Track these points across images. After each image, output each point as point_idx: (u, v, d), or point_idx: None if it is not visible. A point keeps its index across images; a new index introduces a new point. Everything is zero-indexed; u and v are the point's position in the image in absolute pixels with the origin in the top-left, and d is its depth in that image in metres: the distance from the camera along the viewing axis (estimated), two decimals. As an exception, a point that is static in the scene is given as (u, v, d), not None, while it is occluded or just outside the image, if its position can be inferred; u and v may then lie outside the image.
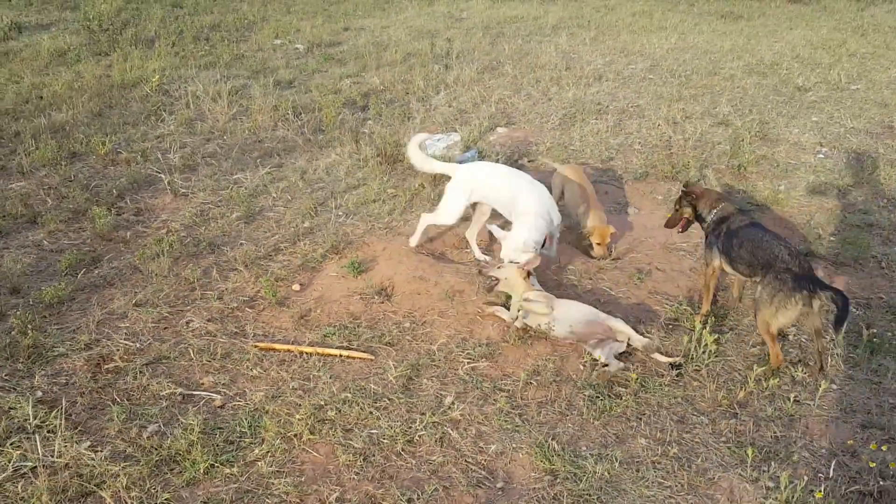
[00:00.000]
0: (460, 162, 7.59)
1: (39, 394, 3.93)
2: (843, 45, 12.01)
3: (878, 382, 4.33)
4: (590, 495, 3.44)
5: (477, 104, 9.32)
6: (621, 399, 4.11)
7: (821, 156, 7.64)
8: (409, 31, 13.32)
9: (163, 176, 6.73)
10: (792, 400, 4.10)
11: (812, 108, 8.93)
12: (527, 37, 13.04)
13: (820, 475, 3.60)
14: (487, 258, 5.63)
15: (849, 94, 9.36)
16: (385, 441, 3.70)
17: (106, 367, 4.14)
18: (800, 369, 4.36)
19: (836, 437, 3.88)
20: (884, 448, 3.68)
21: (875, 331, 4.72)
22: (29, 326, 4.37)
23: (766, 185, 6.94)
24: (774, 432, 3.92)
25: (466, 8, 15.80)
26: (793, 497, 3.33)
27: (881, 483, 3.48)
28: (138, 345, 4.36)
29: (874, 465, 3.59)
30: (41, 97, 8.88)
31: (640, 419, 3.99)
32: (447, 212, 5.55)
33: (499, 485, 3.51)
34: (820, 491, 3.40)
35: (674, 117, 8.45)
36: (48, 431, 3.61)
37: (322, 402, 3.92)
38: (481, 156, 7.68)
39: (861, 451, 3.75)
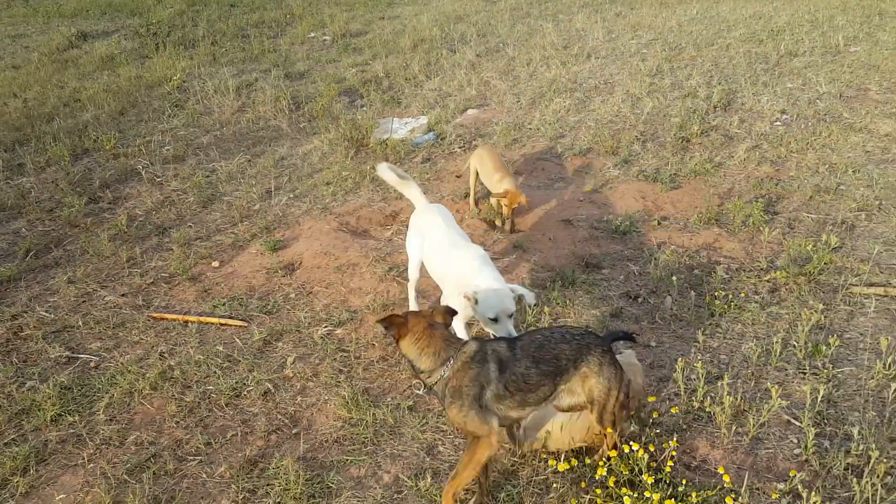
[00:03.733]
0: (417, 144, 8.11)
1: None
2: (879, 3, 11.31)
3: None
4: (366, 437, 3.95)
5: (462, 87, 9.70)
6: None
7: (778, 123, 7.50)
8: (436, 17, 13.75)
9: (143, 167, 7.62)
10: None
11: (792, 73, 8.67)
12: (551, 16, 13.14)
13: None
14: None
15: (842, 58, 8.97)
16: (215, 396, 4.34)
17: (21, 334, 5.03)
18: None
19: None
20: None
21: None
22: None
23: (703, 156, 6.95)
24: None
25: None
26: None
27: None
28: (52, 316, 5.24)
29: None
30: (78, 100, 10.07)
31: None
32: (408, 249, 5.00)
33: (294, 430, 4.07)
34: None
35: (639, 93, 8.47)
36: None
37: (174, 364, 4.61)
38: (440, 138, 8.10)
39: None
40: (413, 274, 4.92)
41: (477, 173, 6.55)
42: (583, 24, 12.06)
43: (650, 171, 6.89)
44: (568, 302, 5.01)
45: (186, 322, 5.14)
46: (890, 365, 4.07)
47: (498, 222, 6.21)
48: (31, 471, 3.88)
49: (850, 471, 3.46)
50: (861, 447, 3.51)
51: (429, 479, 3.62)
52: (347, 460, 3.86)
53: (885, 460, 3.33)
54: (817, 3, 11.74)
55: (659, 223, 6.11)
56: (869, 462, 3.34)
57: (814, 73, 8.56)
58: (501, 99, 9.07)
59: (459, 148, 7.82)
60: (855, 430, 3.63)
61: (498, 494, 3.54)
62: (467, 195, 6.71)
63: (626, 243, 5.85)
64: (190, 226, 6.62)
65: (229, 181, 7.56)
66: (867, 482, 3.24)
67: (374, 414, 4.12)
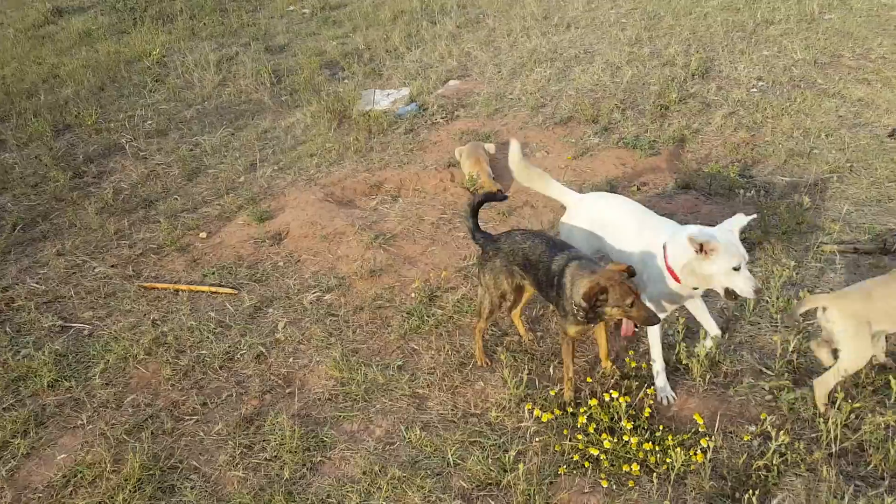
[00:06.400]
0: (399, 115, 8.18)
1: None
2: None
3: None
4: (357, 395, 4.13)
5: (443, 58, 9.74)
6: (430, 319, 4.67)
7: (754, 90, 7.65)
8: (418, -13, 13.67)
9: (126, 141, 7.65)
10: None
11: (769, 41, 8.81)
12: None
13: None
14: None
15: (816, 25, 9.12)
16: (208, 360, 4.47)
17: (14, 305, 5.11)
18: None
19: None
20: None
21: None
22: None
23: (681, 123, 7.09)
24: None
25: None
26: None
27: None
28: (43, 287, 5.32)
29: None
30: (57, 76, 10.00)
31: (434, 337, 4.56)
32: None
33: (288, 390, 4.21)
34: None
35: (618, 62, 8.58)
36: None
37: (167, 330, 4.72)
38: (422, 109, 8.17)
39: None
40: None
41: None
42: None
43: (630, 139, 7.01)
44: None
45: (177, 291, 5.24)
46: (857, 316, 4.25)
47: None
48: (31, 433, 3.99)
49: (817, 414, 3.66)
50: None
51: (418, 431, 3.78)
52: (340, 416, 4.01)
53: (848, 402, 3.53)
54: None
55: (638, 189, 6.26)
56: (835, 404, 3.53)
57: (789, 41, 8.70)
58: (482, 69, 9.14)
59: (442, 118, 7.90)
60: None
61: (484, 443, 3.71)
62: (451, 165, 6.84)
63: (607, 208, 5.99)
64: (176, 198, 6.68)
65: (213, 154, 7.60)
66: (833, 422, 3.44)
67: (364, 373, 4.27)
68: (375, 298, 5.03)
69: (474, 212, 4.20)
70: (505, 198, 4.70)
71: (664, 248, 3.76)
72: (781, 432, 3.39)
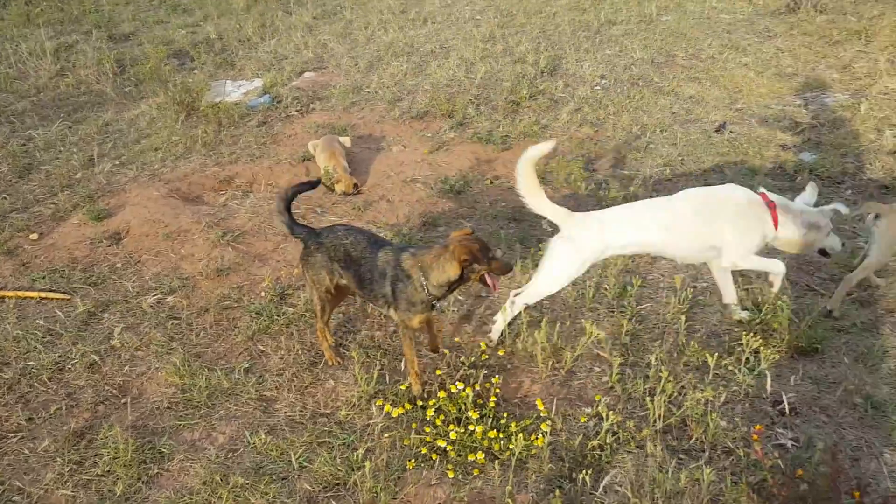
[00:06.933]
0: (251, 107, 7.93)
1: None
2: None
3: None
4: (200, 401, 3.96)
5: (299, 49, 9.54)
6: (280, 319, 4.56)
7: (598, 87, 8.03)
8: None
9: (-59, 136, 6.94)
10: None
11: (611, 41, 9.28)
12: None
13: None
14: None
15: (654, 26, 9.70)
16: (36, 371, 4.14)
17: None
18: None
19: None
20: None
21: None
22: None
23: (532, 119, 7.33)
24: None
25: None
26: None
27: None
28: None
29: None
30: None
31: (284, 336, 4.46)
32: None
33: (123, 400, 3.97)
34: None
35: (473, 57, 8.75)
36: None
37: (-13, 342, 4.34)
38: (276, 101, 7.97)
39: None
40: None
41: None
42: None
43: (483, 133, 7.17)
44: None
45: (3, 298, 4.82)
46: (683, 300, 4.58)
47: (338, 188, 6.25)
48: None
49: (647, 393, 3.90)
50: (656, 372, 3.96)
51: (263, 435, 3.68)
52: (180, 425, 3.84)
53: (671, 380, 3.79)
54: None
55: (491, 182, 6.42)
56: (660, 383, 3.78)
57: (630, 41, 9.21)
58: (339, 62, 9.04)
59: (296, 111, 7.74)
60: (652, 358, 4.08)
61: (333, 443, 3.67)
62: (306, 159, 6.73)
63: (461, 202, 6.10)
64: (4, 197, 6.17)
65: (48, 149, 7.06)
66: (659, 400, 3.68)
67: (208, 378, 4.11)
68: (222, 299, 4.86)
69: (287, 205, 4.04)
70: (316, 184, 4.50)
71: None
72: (612, 413, 3.58)
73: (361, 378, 3.96)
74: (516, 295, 4.32)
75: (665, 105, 7.57)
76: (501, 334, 4.36)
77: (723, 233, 4.17)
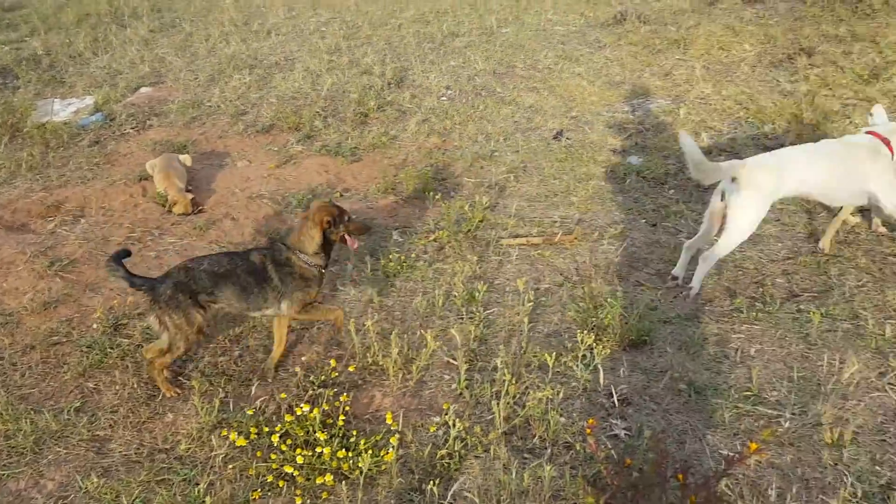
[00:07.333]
0: (82, 126, 7.44)
1: None
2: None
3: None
4: (25, 447, 3.66)
5: (134, 64, 9.08)
6: (114, 351, 4.30)
7: (444, 98, 8.20)
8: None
9: None
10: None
11: (455, 52, 9.53)
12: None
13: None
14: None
15: (495, 38, 10.05)
16: None
17: None
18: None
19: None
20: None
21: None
22: None
23: (380, 130, 7.37)
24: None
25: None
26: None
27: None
28: None
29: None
30: None
31: (119, 370, 4.21)
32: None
33: (-68, 453, 3.59)
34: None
35: (319, 69, 8.68)
36: None
37: None
38: (109, 119, 7.54)
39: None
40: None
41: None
42: (263, 1, 11.94)
43: (332, 146, 7.13)
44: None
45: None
46: (526, 302, 4.76)
47: (176, 210, 6.00)
48: None
49: (493, 397, 4.02)
50: (501, 375, 4.09)
51: (96, 478, 3.46)
52: (3, 475, 3.53)
53: (514, 382, 3.93)
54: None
55: (341, 195, 6.39)
56: (504, 386, 3.91)
57: (472, 52, 9.48)
58: (178, 76, 8.69)
59: (132, 128, 7.36)
60: (498, 361, 4.20)
61: (173, 479, 3.51)
62: (143, 178, 6.40)
63: (309, 217, 6.02)
64: None
65: None
66: (503, 403, 3.80)
67: (34, 421, 3.80)
68: (50, 334, 4.52)
69: (118, 262, 3.90)
70: (128, 253, 4.15)
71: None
72: (460, 419, 3.66)
73: (202, 408, 3.81)
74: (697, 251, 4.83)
75: (507, 114, 7.85)
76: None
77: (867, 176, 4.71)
